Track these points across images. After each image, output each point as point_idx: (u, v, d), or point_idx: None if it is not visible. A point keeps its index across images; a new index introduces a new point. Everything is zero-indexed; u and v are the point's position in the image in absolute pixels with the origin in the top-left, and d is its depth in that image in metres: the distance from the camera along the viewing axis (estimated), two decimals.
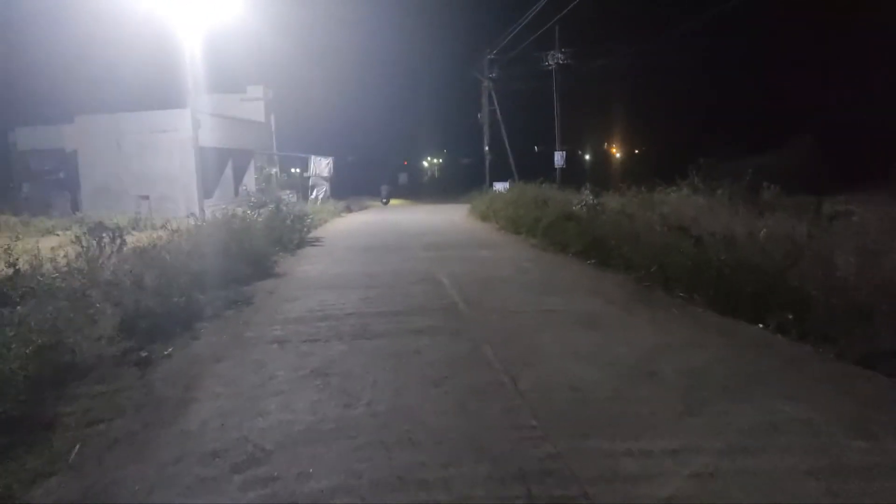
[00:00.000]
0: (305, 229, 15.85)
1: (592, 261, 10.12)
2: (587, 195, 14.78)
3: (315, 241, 15.05)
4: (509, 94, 34.15)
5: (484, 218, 19.04)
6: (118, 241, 9.14)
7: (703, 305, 7.01)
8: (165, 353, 5.78)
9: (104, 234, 8.96)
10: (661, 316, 6.64)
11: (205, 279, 8.54)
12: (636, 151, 54.46)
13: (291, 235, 14.09)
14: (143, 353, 5.73)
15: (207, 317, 7.10)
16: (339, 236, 16.43)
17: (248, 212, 14.53)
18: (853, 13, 33.88)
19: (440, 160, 66.60)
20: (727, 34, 38.47)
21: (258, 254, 10.83)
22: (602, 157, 56.53)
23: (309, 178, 30.20)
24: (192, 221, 13.05)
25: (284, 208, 15.76)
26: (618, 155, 56.10)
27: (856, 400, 4.16)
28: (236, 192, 28.86)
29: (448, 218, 21.59)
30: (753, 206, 15.32)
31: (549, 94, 32.31)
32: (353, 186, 38.57)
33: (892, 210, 12.68)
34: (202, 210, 21.70)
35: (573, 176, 32.06)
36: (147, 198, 25.02)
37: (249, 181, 29.75)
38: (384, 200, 36.01)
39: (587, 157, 57.50)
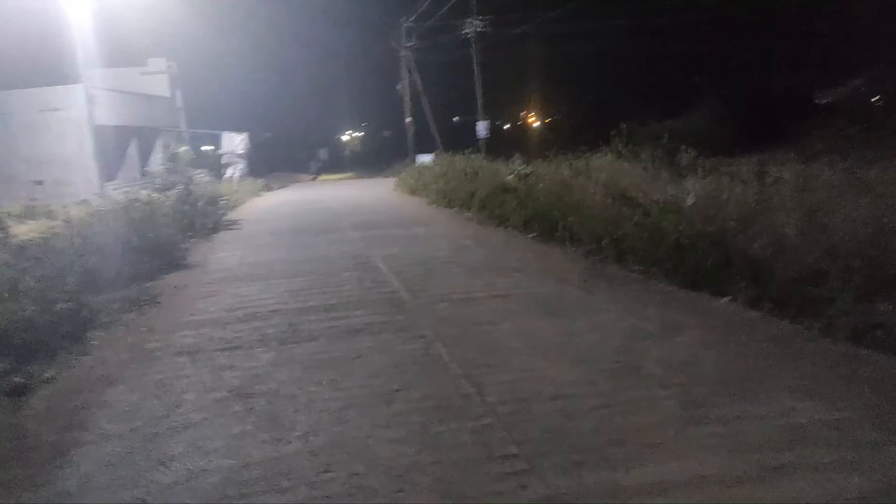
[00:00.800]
0: (220, 211, 14.48)
1: (534, 234, 9.44)
2: (519, 165, 14.10)
3: (232, 225, 13.74)
4: (429, 63, 33.03)
5: (412, 192, 18.11)
6: None
7: (662, 279, 6.42)
8: (45, 375, 4.65)
9: None
10: (622, 294, 6.00)
11: (101, 277, 7.31)
12: (553, 119, 54.43)
13: (204, 219, 12.75)
14: (17, 379, 4.57)
15: (102, 324, 5.93)
16: (259, 217, 15.14)
17: (154, 194, 13.06)
18: None
19: (361, 133, 64.65)
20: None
21: (166, 242, 9.53)
22: (521, 126, 56.26)
23: (222, 155, 28.24)
24: (86, 208, 11.53)
25: (196, 189, 14.33)
26: (536, 123, 56.03)
27: (872, 389, 3.59)
28: (142, 174, 26.64)
29: (375, 193, 20.52)
30: (674, 169, 15.25)
31: (469, 63, 31.42)
32: (272, 164, 36.61)
33: (803, 168, 12.85)
34: (101, 194, 19.72)
35: (495, 145, 31.47)
36: (41, 183, 22.62)
37: (156, 161, 27.53)
38: (314, 176, 34.38)
39: (506, 126, 57.08)
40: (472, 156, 18.86)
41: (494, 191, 11.48)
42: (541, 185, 11.39)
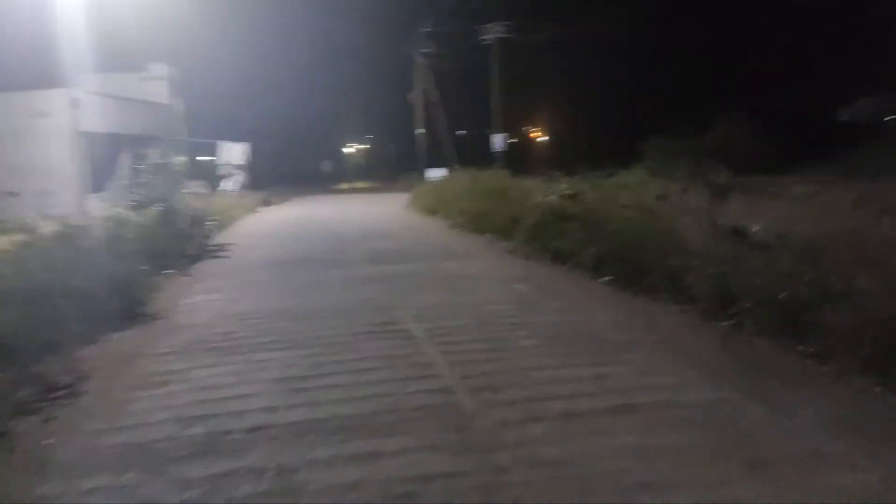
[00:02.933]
0: (208, 233, 12.04)
1: (609, 278, 6.99)
2: (563, 183, 11.70)
3: (220, 250, 11.26)
4: (440, 73, 30.69)
5: (430, 212, 15.63)
6: None
7: (856, 371, 3.99)
8: None
9: None
10: (834, 411, 3.53)
11: (15, 339, 4.88)
12: (565, 133, 51.93)
13: (186, 244, 10.30)
14: None
15: None
16: (254, 241, 12.65)
17: (127, 213, 10.62)
18: None
19: (365, 146, 62.17)
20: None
21: (125, 281, 7.07)
22: (526, 141, 53.83)
23: (218, 167, 25.80)
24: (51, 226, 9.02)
25: (181, 206, 11.89)
26: (543, 138, 53.64)
27: None
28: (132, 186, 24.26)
29: (386, 212, 18.00)
30: (714, 189, 13.43)
31: (480, 72, 29.19)
32: (274, 176, 34.21)
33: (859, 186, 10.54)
34: (81, 208, 17.31)
35: (506, 161, 28.99)
36: (16, 194, 20.18)
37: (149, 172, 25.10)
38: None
39: (512, 140, 54.55)
40: (497, 171, 16.39)
41: (549, 217, 8.99)
42: (601, 211, 8.95)
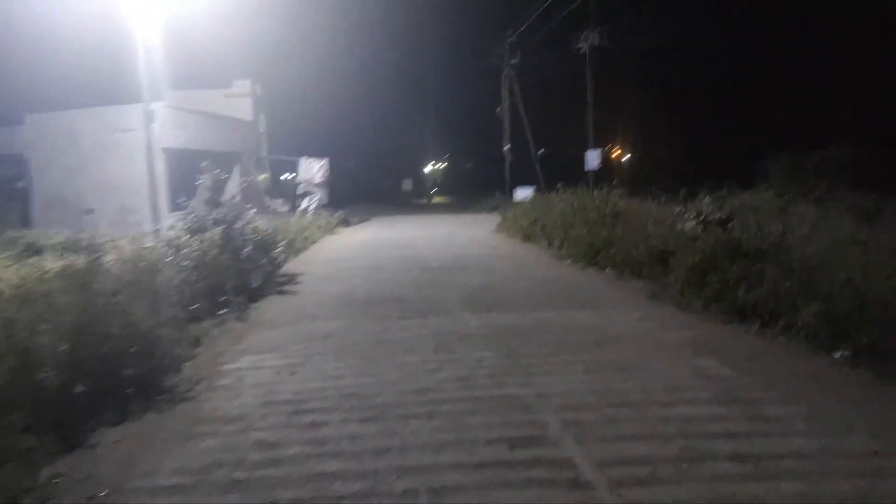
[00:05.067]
0: (277, 260, 10.17)
1: (844, 353, 4.45)
2: (706, 205, 9.16)
3: (289, 282, 9.34)
4: (526, 86, 28.40)
5: (527, 237, 13.25)
6: None
7: None
8: None
9: None
10: None
11: None
12: (653, 151, 48.21)
13: (250, 275, 8.42)
14: None
15: None
16: (329, 270, 10.64)
17: (183, 237, 8.85)
18: None
19: (444, 164, 60.53)
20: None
21: (153, 336, 5.11)
22: (618, 159, 50.32)
23: (298, 185, 24.37)
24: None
25: (248, 229, 10.04)
26: (624, 157, 50.12)
27: None
28: (214, 203, 23.19)
29: (474, 235, 15.69)
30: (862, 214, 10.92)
31: (564, 86, 26.73)
32: (352, 194, 32.83)
33: None
34: (156, 226, 16.04)
35: (596, 180, 26.30)
36: (92, 211, 19.32)
37: (233, 188, 24.01)
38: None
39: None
40: (611, 192, 13.76)
41: (717, 253, 6.43)
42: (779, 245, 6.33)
